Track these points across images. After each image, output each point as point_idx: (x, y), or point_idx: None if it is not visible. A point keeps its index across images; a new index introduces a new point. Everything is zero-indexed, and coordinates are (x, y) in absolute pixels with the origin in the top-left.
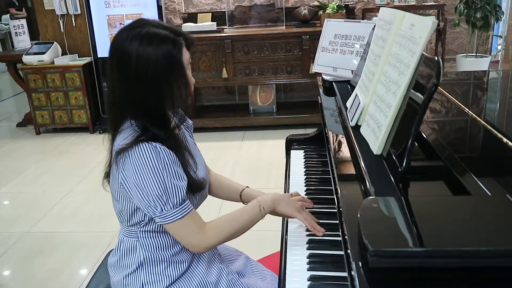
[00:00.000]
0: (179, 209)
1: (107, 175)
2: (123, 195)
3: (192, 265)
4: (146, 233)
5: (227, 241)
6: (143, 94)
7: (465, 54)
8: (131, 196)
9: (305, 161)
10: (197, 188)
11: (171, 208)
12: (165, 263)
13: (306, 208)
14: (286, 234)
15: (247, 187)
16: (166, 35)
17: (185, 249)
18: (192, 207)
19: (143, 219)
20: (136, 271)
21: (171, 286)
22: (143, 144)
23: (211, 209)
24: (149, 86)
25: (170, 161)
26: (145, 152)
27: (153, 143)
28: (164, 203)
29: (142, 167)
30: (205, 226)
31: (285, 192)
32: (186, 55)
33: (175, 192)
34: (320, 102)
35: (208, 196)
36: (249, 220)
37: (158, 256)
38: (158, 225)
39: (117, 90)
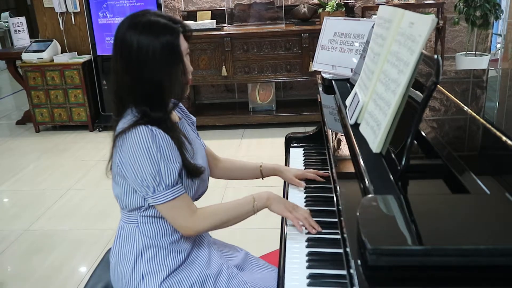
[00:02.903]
0: (171, 190)
1: (111, 166)
2: (120, 176)
3: (192, 257)
4: (145, 218)
5: (216, 229)
6: (143, 80)
7: (464, 53)
8: (126, 176)
9: (304, 159)
10: (193, 173)
11: (163, 189)
12: (164, 250)
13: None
14: (286, 231)
15: (264, 163)
16: (165, 23)
17: (184, 239)
18: (183, 190)
19: (142, 204)
20: (136, 262)
21: (171, 276)
22: (141, 127)
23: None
24: (148, 72)
25: (165, 143)
26: (141, 134)
27: (150, 126)
28: (157, 184)
29: (138, 148)
30: (197, 210)
31: (284, 190)
32: (184, 43)
33: (168, 173)
34: (319, 100)
35: (209, 189)
36: (241, 213)
37: (156, 243)
38: (157, 210)
39: (119, 77)
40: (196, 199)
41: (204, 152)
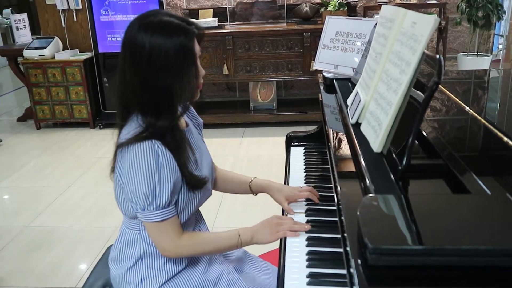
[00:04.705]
0: (160, 212)
1: (114, 169)
2: (118, 186)
3: (192, 262)
4: None
5: (197, 256)
6: (153, 84)
7: (466, 53)
8: (123, 188)
9: (305, 158)
10: (195, 186)
11: (153, 209)
12: (164, 257)
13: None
14: None
15: (255, 177)
16: (179, 24)
17: None
18: (174, 213)
19: None
20: (135, 265)
21: (169, 281)
22: (144, 143)
23: (211, 206)
24: (160, 75)
25: (165, 164)
26: (143, 150)
27: (153, 141)
28: (148, 203)
29: (137, 165)
30: (182, 236)
31: None
32: (197, 46)
33: (161, 195)
34: (320, 99)
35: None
36: (225, 247)
37: (158, 250)
38: None
39: (127, 81)
40: (199, 205)
41: (210, 158)
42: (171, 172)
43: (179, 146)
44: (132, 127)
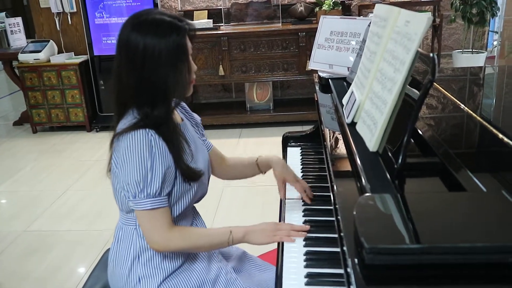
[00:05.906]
0: (151, 200)
1: (110, 169)
2: (115, 176)
3: (190, 259)
4: None
5: (187, 252)
6: (149, 80)
7: (461, 50)
8: (118, 176)
9: (302, 158)
10: (191, 177)
11: (144, 196)
12: (161, 255)
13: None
14: None
15: (260, 155)
16: (170, 21)
17: None
18: (166, 204)
19: None
20: (133, 265)
21: (167, 279)
22: (139, 130)
23: (209, 205)
24: (154, 72)
25: (158, 153)
26: (137, 138)
27: (147, 130)
28: (139, 190)
29: (131, 152)
30: (173, 228)
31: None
32: (189, 42)
33: (153, 183)
34: (316, 99)
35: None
36: (215, 243)
37: (147, 242)
38: None
39: (123, 79)
40: (196, 201)
41: (206, 154)
42: (163, 161)
43: (172, 136)
44: (128, 120)
